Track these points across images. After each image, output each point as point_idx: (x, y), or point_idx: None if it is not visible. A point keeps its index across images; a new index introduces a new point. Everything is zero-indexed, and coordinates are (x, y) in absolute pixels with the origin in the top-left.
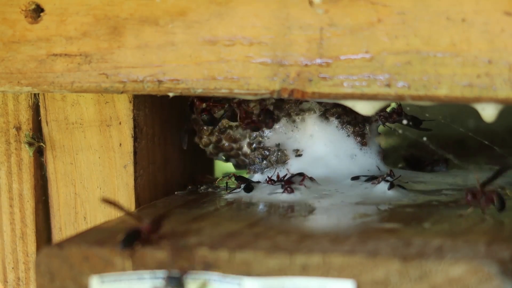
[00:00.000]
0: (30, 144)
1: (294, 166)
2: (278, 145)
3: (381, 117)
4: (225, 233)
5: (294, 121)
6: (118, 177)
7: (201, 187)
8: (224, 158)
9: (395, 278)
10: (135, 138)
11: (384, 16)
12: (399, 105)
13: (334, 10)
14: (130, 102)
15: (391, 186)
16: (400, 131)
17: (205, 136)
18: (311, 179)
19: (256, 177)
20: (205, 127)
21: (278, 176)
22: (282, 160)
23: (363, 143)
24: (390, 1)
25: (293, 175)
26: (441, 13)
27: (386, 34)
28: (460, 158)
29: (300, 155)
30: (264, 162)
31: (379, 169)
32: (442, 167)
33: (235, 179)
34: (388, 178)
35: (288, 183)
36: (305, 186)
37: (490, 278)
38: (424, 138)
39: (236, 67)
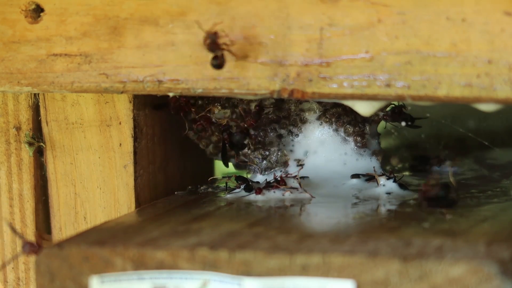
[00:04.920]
0: (30, 144)
1: (294, 168)
2: (278, 145)
3: (385, 116)
4: (225, 233)
5: (294, 121)
6: (118, 177)
7: (201, 187)
8: None
9: (395, 278)
10: (135, 138)
11: (384, 16)
12: (401, 105)
13: (334, 10)
14: (130, 102)
15: (401, 186)
16: (400, 131)
17: (205, 136)
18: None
19: (257, 177)
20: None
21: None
22: (282, 160)
23: (363, 143)
24: (390, 1)
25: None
26: (441, 13)
27: (386, 34)
28: (459, 158)
29: (302, 165)
30: (264, 162)
31: (378, 169)
32: (447, 166)
33: (235, 179)
34: (388, 177)
35: (264, 188)
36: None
37: (490, 278)
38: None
39: (236, 67)
